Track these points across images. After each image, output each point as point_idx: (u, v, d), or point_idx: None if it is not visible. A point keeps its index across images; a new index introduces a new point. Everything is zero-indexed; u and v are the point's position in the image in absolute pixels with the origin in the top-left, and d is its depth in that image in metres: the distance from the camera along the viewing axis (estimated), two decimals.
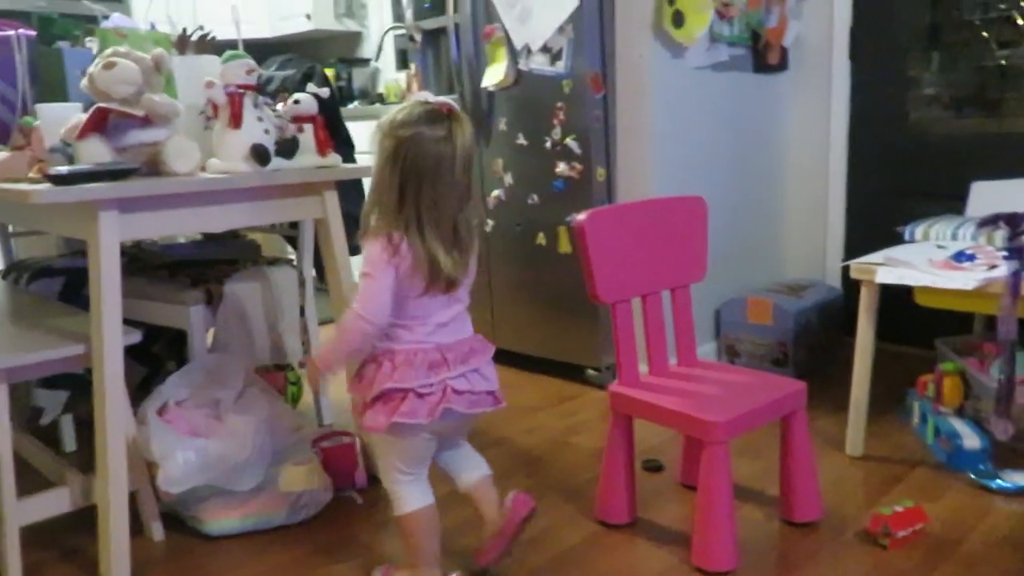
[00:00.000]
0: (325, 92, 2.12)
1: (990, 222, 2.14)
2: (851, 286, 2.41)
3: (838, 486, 2.15)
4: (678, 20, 2.71)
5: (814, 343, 2.99)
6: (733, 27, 2.94)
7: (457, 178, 1.56)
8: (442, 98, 1.60)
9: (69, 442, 2.49)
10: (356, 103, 4.64)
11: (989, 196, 2.53)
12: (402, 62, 4.40)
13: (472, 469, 1.79)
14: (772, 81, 3.21)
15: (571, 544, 1.92)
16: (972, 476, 2.13)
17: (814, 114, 3.29)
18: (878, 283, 2.19)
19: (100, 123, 1.84)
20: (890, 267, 2.17)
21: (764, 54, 3.11)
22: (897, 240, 2.48)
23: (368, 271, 1.56)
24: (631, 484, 1.99)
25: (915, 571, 1.75)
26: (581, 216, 1.87)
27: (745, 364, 2.98)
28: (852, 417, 2.30)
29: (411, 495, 1.68)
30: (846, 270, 2.30)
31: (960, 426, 2.24)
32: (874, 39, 3.14)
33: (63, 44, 2.32)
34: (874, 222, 3.02)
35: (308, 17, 4.58)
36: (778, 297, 2.98)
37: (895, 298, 2.26)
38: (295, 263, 2.63)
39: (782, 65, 3.21)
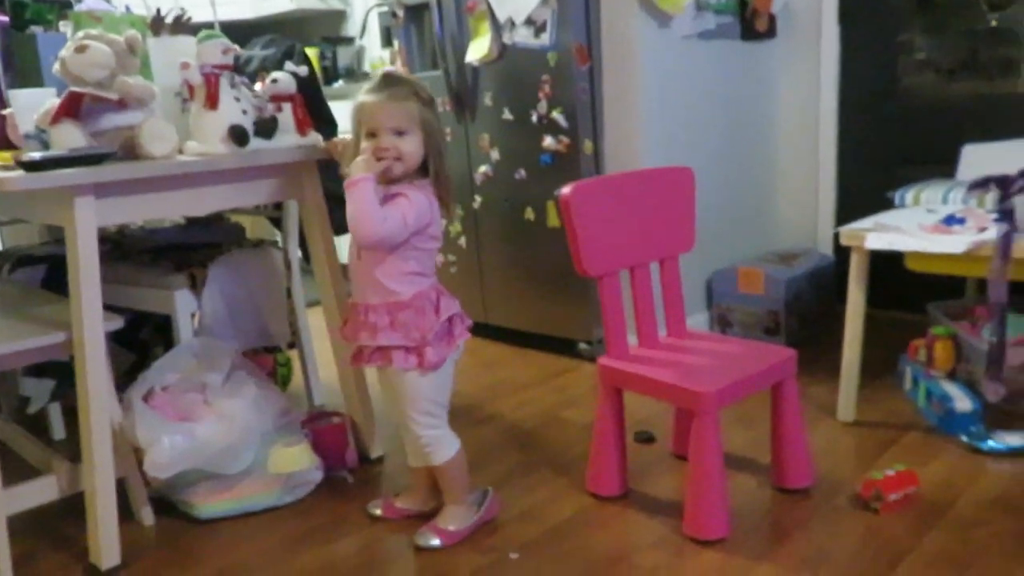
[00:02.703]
0: (304, 71, 2.09)
1: (980, 185, 2.12)
2: (843, 253, 2.39)
3: (830, 452, 2.14)
4: None
5: (806, 311, 2.98)
6: None
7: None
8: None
9: (58, 431, 2.49)
10: (341, 82, 4.59)
11: (980, 159, 2.51)
12: (387, 39, 4.34)
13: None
14: (761, 49, 3.17)
15: (563, 518, 1.91)
16: (964, 438, 2.12)
17: (804, 81, 3.25)
18: (868, 249, 2.17)
19: (74, 108, 1.81)
20: (880, 233, 2.16)
21: (752, 22, 3.07)
22: (888, 206, 2.46)
23: (414, 203, 1.66)
24: (622, 457, 1.98)
25: (907, 535, 1.75)
26: (566, 189, 1.85)
27: (737, 334, 2.97)
28: (843, 383, 2.30)
29: (450, 439, 1.82)
30: (837, 237, 2.28)
31: (952, 389, 2.23)
32: (864, 4, 3.09)
33: (37, 29, 2.29)
34: (866, 189, 3.00)
35: None
36: (769, 266, 2.96)
37: (887, 264, 2.25)
38: (280, 245, 2.60)
39: (770, 32, 3.16)
